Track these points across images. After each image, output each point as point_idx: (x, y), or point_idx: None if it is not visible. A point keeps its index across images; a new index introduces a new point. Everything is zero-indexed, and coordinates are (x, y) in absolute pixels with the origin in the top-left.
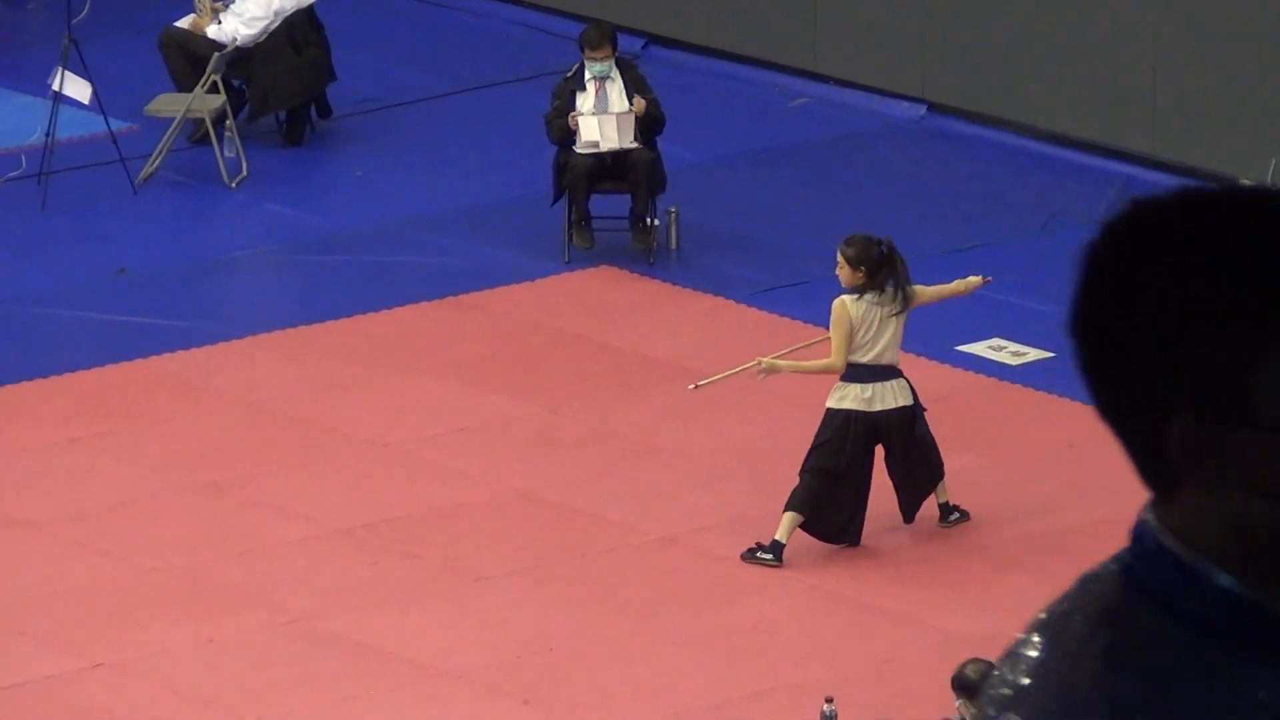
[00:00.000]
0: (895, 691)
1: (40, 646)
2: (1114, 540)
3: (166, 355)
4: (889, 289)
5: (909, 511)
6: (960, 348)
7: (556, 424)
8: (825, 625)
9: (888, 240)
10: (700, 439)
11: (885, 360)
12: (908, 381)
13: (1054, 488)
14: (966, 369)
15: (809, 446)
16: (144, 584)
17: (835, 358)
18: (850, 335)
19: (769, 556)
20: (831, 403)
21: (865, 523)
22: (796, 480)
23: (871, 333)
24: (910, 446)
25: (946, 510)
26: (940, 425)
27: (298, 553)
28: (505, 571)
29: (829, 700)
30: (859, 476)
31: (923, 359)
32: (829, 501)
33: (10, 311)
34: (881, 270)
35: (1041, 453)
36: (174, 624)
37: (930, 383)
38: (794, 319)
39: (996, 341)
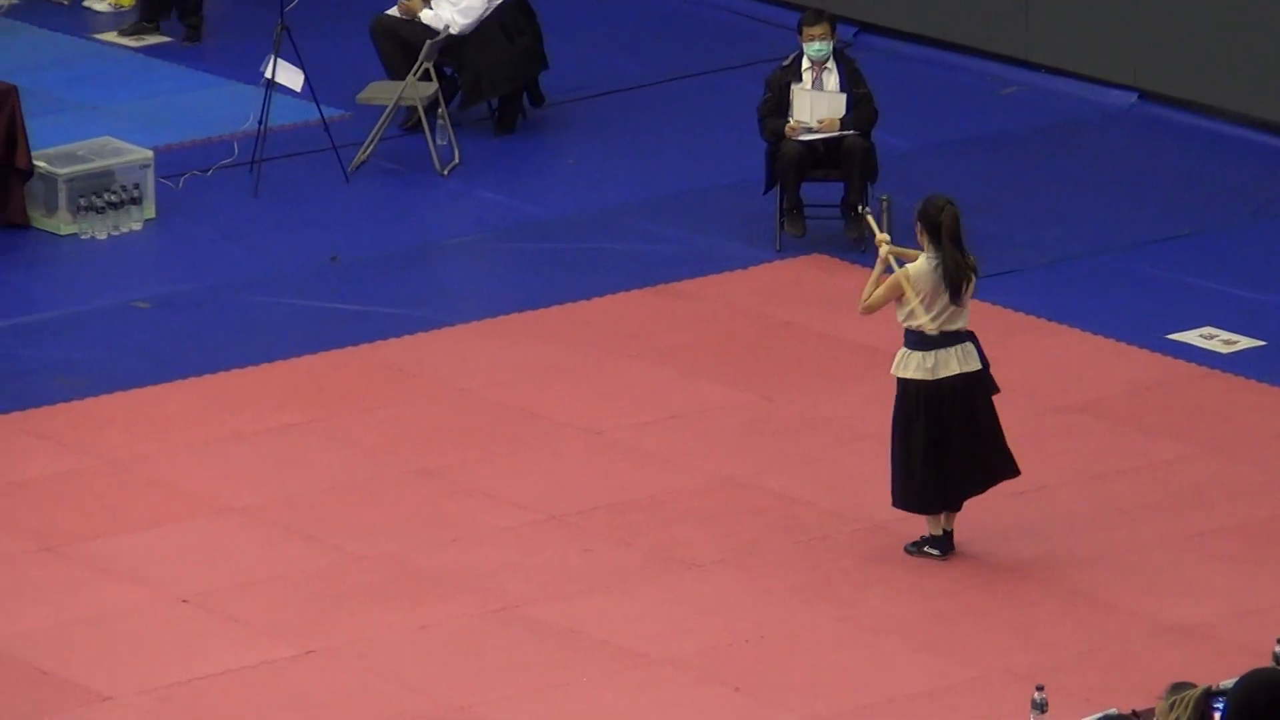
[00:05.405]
0: (1106, 679)
1: (253, 632)
2: None
3: (379, 342)
4: (947, 254)
5: (960, 496)
6: (1171, 336)
7: (769, 411)
8: (1034, 612)
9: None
10: None
11: (956, 325)
12: (976, 346)
13: (1264, 476)
14: (1177, 357)
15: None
16: (356, 570)
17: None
18: (898, 299)
19: (935, 552)
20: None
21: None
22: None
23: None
24: (978, 416)
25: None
26: (1150, 413)
27: (510, 539)
28: (717, 559)
29: (1039, 688)
30: (958, 444)
31: (1133, 347)
32: (927, 475)
33: (223, 298)
34: (939, 232)
35: (1251, 441)
36: (386, 610)
37: (1141, 371)
38: (1004, 306)
39: (1208, 330)
